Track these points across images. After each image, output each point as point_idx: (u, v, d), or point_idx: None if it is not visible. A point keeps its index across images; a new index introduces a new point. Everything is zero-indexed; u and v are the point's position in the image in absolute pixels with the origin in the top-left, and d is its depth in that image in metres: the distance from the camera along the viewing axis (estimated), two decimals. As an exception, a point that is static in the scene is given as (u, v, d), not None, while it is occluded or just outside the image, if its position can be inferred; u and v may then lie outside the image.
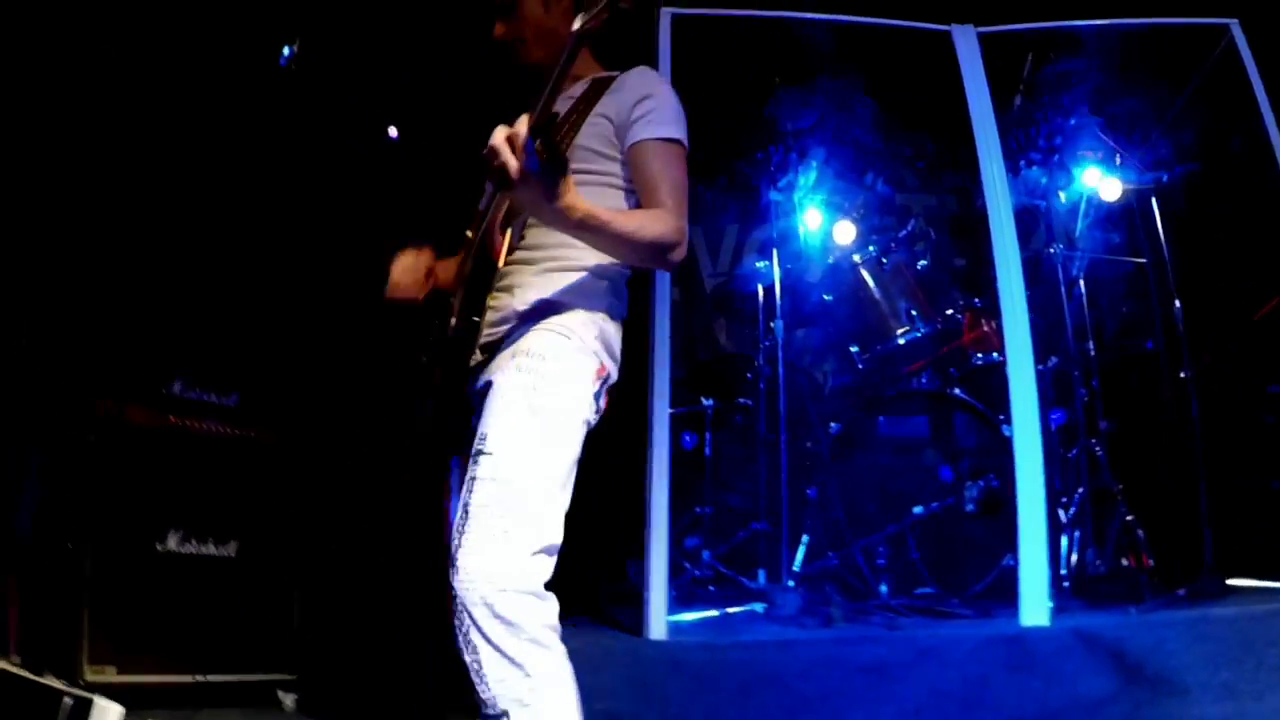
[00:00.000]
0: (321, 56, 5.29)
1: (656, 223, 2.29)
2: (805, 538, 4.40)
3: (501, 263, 2.40)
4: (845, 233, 5.24)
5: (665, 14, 4.29)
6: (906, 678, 3.16)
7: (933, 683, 3.13)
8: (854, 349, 4.76)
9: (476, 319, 2.36)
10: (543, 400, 2.21)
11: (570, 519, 2.20)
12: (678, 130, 2.47)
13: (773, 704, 3.14)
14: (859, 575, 4.24)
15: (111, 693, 3.75)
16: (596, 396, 2.35)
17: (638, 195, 2.45)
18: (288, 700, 4.07)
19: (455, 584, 2.02)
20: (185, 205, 4.75)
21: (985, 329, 4.68)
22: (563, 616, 2.48)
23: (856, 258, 4.79)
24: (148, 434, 4.14)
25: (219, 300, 4.57)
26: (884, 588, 4.10)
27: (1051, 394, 4.53)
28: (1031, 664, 3.14)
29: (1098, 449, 4.44)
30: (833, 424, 4.62)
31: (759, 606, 4.06)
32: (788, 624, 3.87)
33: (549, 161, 1.96)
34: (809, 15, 4.67)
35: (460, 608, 2.01)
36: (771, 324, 4.82)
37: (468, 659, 2.00)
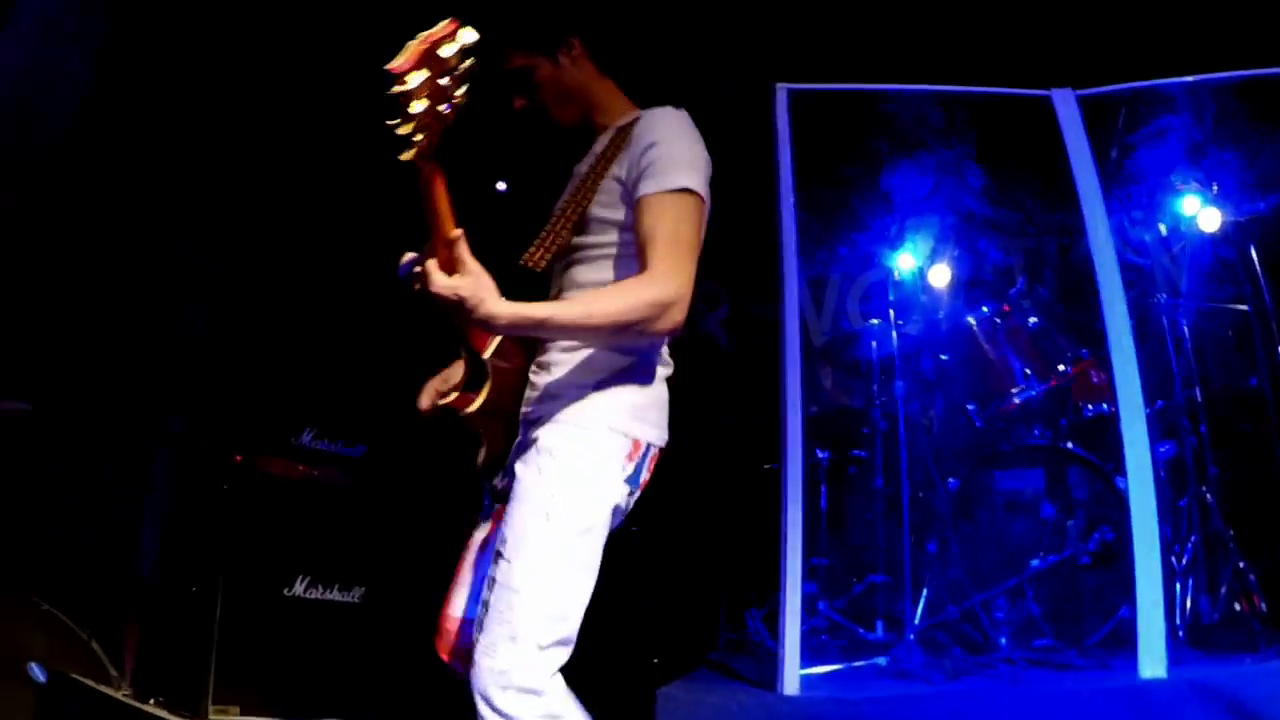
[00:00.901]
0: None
1: (617, 299, 2.29)
2: (925, 591, 4.62)
3: (487, 353, 2.38)
4: (958, 295, 5.52)
5: (781, 90, 4.52)
6: None
7: None
8: (970, 407, 5.00)
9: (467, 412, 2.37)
10: (559, 506, 2.30)
11: (689, 567, 2.49)
12: (684, 176, 2.38)
13: (904, 759, 3.39)
14: (979, 628, 4.44)
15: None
16: (634, 475, 2.41)
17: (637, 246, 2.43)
18: None
19: (471, 675, 2.24)
20: (315, 264, 5.19)
21: (1095, 380, 4.92)
22: (681, 669, 2.82)
23: (971, 320, 5.06)
24: (278, 483, 4.45)
25: (348, 354, 4.93)
26: (1003, 640, 4.30)
27: (1159, 438, 4.69)
28: (1151, 717, 3.33)
29: (1208, 495, 4.59)
30: (951, 479, 4.85)
31: (882, 660, 4.27)
32: (911, 677, 4.08)
33: (459, 297, 2.08)
34: (915, 87, 4.90)
35: (474, 697, 2.21)
36: (892, 383, 5.07)
37: None
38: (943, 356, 5.30)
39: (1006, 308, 5.06)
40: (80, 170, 4.22)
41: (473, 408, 2.38)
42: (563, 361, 2.46)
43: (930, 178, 5.62)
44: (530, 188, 6.33)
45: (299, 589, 4.41)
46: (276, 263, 5.04)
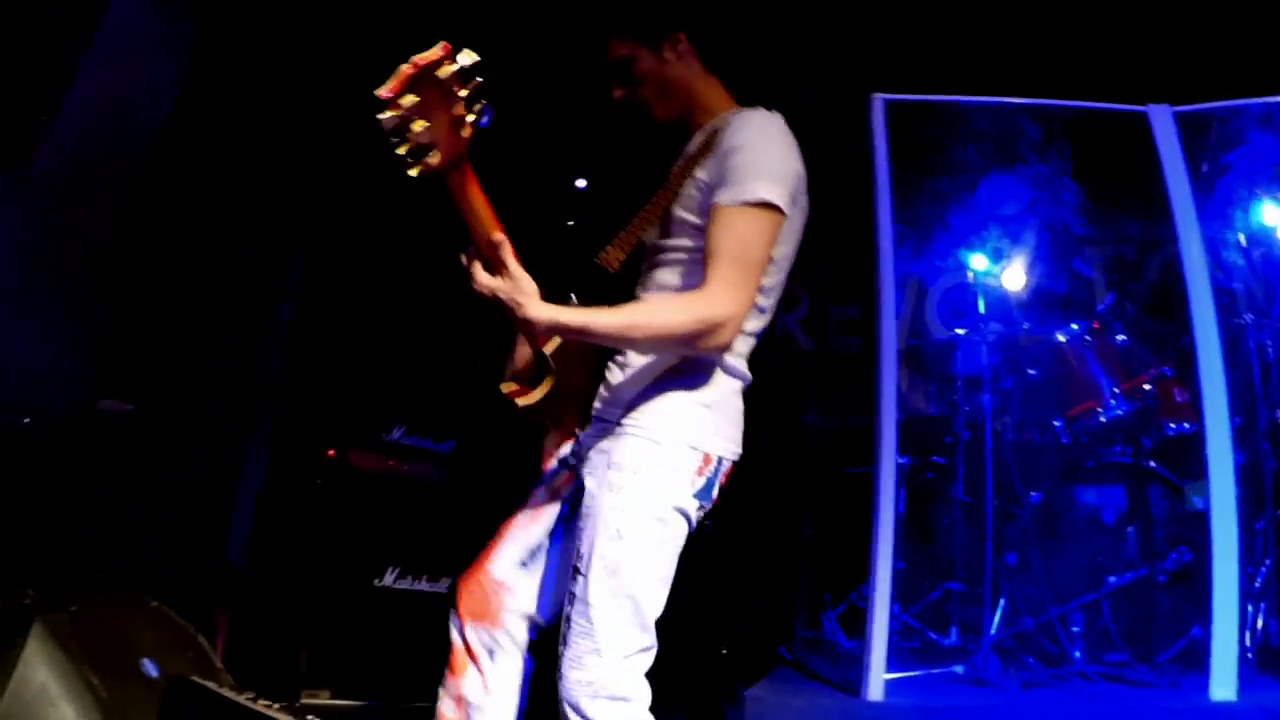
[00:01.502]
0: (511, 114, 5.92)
1: (664, 314, 2.34)
2: (1003, 601, 4.78)
3: (549, 348, 2.44)
4: (1049, 310, 5.66)
5: (878, 100, 4.61)
6: None
7: None
8: (1057, 423, 5.13)
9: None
10: (630, 523, 2.36)
11: (764, 565, 2.64)
12: (764, 188, 2.34)
13: (984, 768, 3.56)
14: (1054, 640, 4.60)
15: (322, 714, 4.46)
16: (705, 490, 2.45)
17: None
18: None
19: (559, 687, 2.34)
20: (403, 261, 5.41)
21: (1178, 399, 5.02)
22: (760, 673, 3.02)
23: (1061, 337, 5.18)
24: (369, 478, 4.72)
25: (437, 351, 5.14)
26: (1078, 653, 4.47)
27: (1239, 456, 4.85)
28: None
29: None
30: (1034, 493, 5.01)
31: (959, 667, 4.47)
32: (987, 686, 4.29)
33: (503, 297, 2.19)
34: (1011, 100, 5.00)
35: (562, 705, 2.33)
36: (975, 393, 5.23)
37: None
38: (1030, 371, 5.42)
39: (1096, 325, 5.18)
40: (172, 175, 4.37)
41: (527, 401, 2.48)
42: (637, 364, 2.50)
43: (1026, 191, 5.73)
44: (612, 185, 6.56)
45: (389, 580, 4.68)
46: (365, 260, 5.26)
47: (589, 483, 2.45)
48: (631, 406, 2.47)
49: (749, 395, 2.59)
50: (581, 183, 6.72)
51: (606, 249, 2.53)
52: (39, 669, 2.75)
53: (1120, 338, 5.23)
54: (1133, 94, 4.67)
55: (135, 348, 4.19)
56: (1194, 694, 3.88)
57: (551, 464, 2.75)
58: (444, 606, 4.69)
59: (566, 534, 2.64)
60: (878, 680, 3.93)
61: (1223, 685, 3.77)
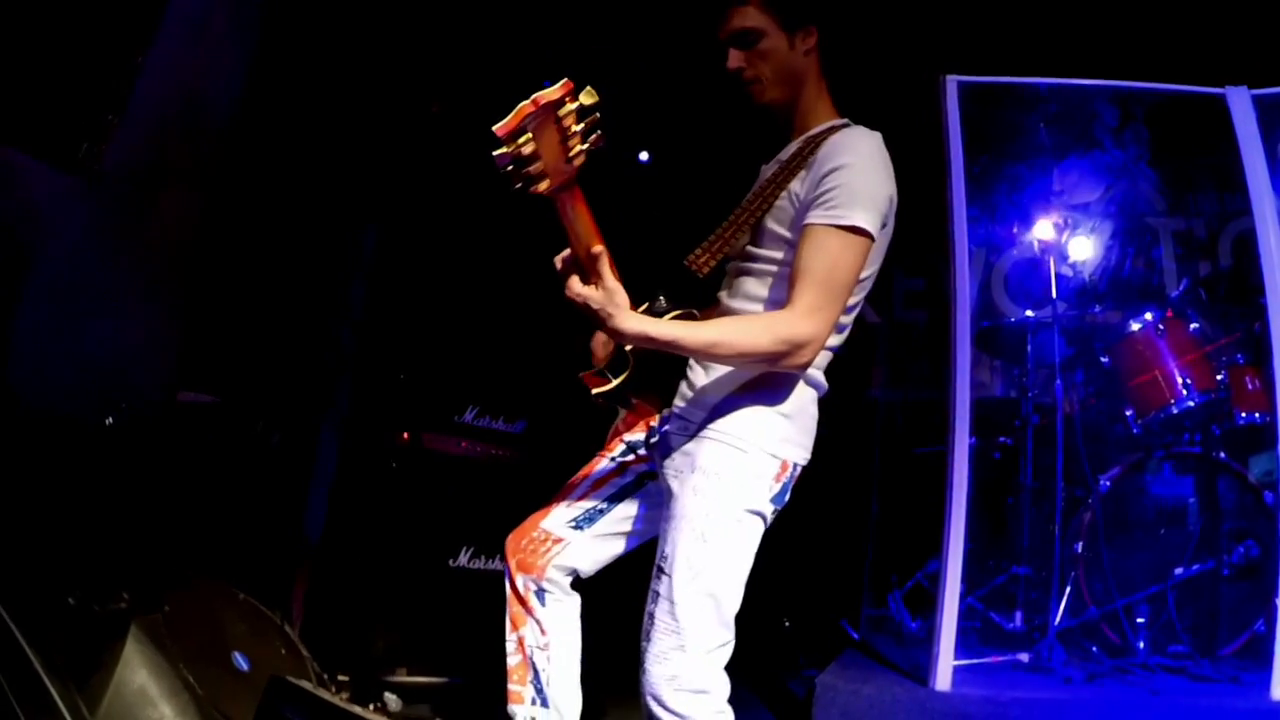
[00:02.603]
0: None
1: (751, 332, 2.42)
2: (1069, 589, 4.88)
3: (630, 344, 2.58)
4: (1124, 298, 5.72)
5: (951, 81, 4.60)
6: None
7: None
8: (1129, 413, 5.20)
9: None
10: (715, 526, 2.50)
11: (831, 543, 2.80)
12: (859, 214, 2.41)
13: (1049, 761, 3.69)
14: (1119, 630, 4.69)
15: (398, 689, 4.67)
16: (780, 494, 2.59)
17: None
18: (393, 702, 4.60)
19: (642, 679, 2.51)
20: (475, 242, 5.54)
21: (1250, 387, 5.05)
22: (822, 648, 3.16)
23: (1135, 325, 5.22)
24: (443, 460, 4.91)
25: (508, 333, 5.29)
26: (1142, 644, 4.54)
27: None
28: None
29: None
30: (1103, 481, 5.08)
31: (1024, 655, 4.60)
32: (1051, 674, 4.40)
33: (592, 292, 2.29)
34: (1085, 82, 4.96)
35: (644, 697, 2.50)
36: (1046, 377, 5.32)
37: None
38: (1103, 359, 5.48)
39: (1170, 313, 5.22)
40: (245, 163, 4.52)
41: (603, 389, 2.70)
42: (721, 368, 2.59)
43: (1102, 178, 5.76)
44: (675, 160, 6.63)
45: (463, 560, 4.88)
46: (435, 241, 5.39)
47: (674, 484, 2.60)
48: (716, 411, 2.59)
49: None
50: (645, 156, 6.80)
51: (697, 252, 2.57)
52: (138, 670, 2.94)
53: (1194, 326, 5.25)
54: (1210, 76, 4.65)
55: (214, 338, 4.35)
56: (1255, 690, 3.96)
57: (619, 444, 2.94)
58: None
59: (626, 504, 2.89)
60: (945, 670, 4.04)
61: None
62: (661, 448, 2.72)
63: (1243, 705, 3.87)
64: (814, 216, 2.43)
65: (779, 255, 2.60)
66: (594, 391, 2.75)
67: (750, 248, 2.67)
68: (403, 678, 4.64)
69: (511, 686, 2.88)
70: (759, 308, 2.65)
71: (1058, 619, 4.78)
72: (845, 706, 3.86)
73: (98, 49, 3.92)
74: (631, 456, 2.89)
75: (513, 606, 2.92)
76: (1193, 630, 4.61)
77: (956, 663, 4.14)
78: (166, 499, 3.88)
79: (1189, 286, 5.52)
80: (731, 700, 2.55)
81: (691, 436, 2.62)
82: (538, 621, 2.86)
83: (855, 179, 2.42)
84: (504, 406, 5.21)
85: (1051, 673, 4.44)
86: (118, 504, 3.64)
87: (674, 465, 2.63)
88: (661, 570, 2.55)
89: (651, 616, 2.54)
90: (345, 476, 5.04)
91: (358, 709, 2.87)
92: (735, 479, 2.55)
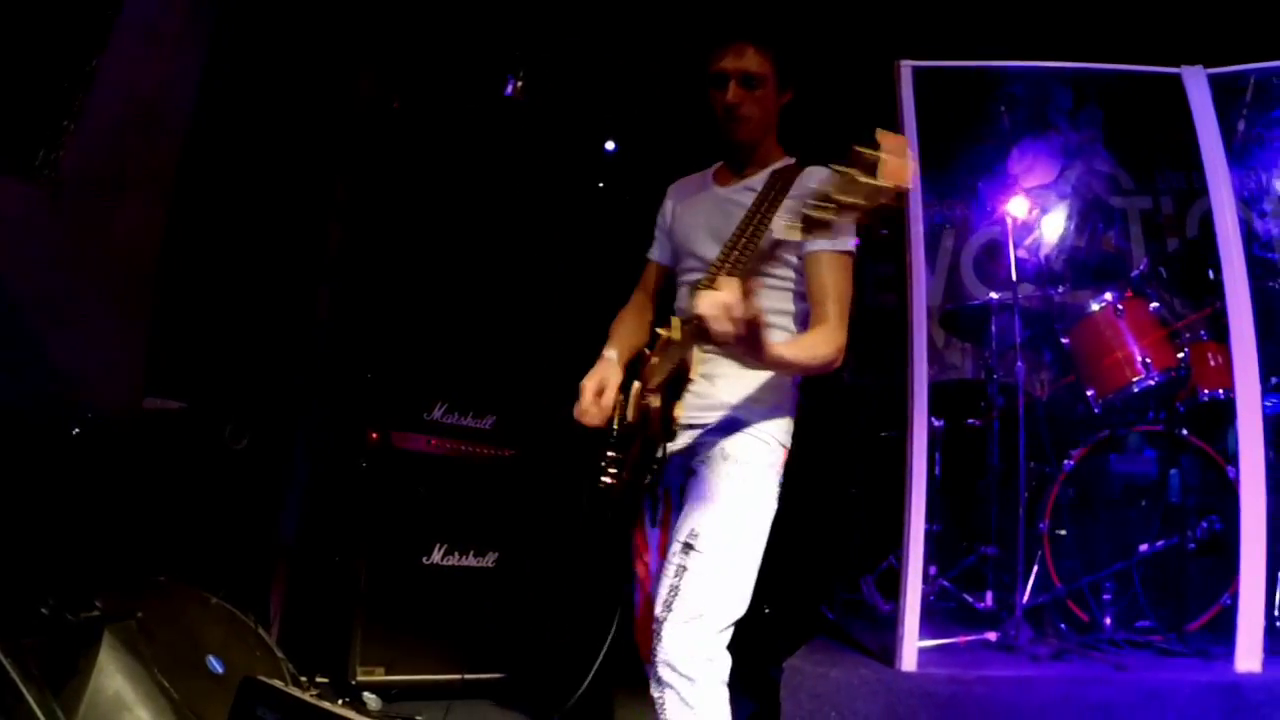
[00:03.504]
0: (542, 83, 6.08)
1: (822, 345, 2.82)
2: (1035, 568, 4.97)
3: (694, 373, 2.78)
4: (1081, 279, 5.80)
5: (905, 67, 4.62)
6: (1132, 718, 3.74)
7: None
8: (1090, 392, 5.28)
9: (673, 429, 2.87)
10: (746, 509, 2.93)
11: (806, 528, 3.10)
12: (850, 240, 2.93)
13: (1013, 738, 3.75)
14: (1086, 608, 4.79)
15: (377, 689, 4.75)
16: (781, 476, 3.03)
17: (808, 301, 2.97)
18: (372, 701, 4.69)
19: (658, 645, 2.81)
20: (438, 243, 5.61)
21: (1212, 364, 5.16)
22: (801, 633, 3.34)
23: (1095, 306, 5.30)
24: (413, 458, 4.99)
25: (474, 329, 5.40)
26: (1108, 620, 4.65)
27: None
28: (1245, 710, 3.67)
29: None
30: (1066, 461, 5.16)
31: (991, 635, 4.67)
32: (1019, 653, 4.46)
33: (752, 328, 2.38)
34: (1042, 64, 4.98)
35: (657, 660, 2.80)
36: (1010, 359, 5.38)
37: (654, 694, 2.84)
38: (1064, 340, 5.58)
39: (1130, 294, 5.28)
40: (204, 167, 4.58)
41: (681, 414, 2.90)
42: (731, 375, 2.99)
43: (1058, 160, 5.84)
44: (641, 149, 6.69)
45: (437, 557, 4.97)
46: (398, 240, 5.46)
47: (703, 469, 2.99)
48: (739, 409, 3.01)
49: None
50: (610, 145, 6.88)
51: (705, 279, 2.97)
52: (113, 676, 3.03)
53: (1154, 305, 5.35)
54: (1166, 56, 4.70)
55: (180, 343, 4.41)
56: (1221, 665, 4.05)
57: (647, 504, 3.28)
58: (491, 581, 4.99)
59: None
60: (910, 651, 4.12)
61: (1248, 656, 3.95)
62: (682, 456, 3.08)
63: (1205, 678, 3.93)
64: (821, 245, 2.90)
65: (778, 272, 3.04)
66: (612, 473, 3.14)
67: (750, 269, 2.83)
68: (380, 676, 4.72)
69: None
70: (786, 320, 3.09)
71: (1025, 598, 4.87)
72: (812, 689, 3.92)
73: (50, 56, 3.96)
74: (661, 508, 3.26)
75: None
76: (1160, 606, 4.69)
77: (923, 644, 4.22)
78: (138, 505, 3.95)
79: (1149, 266, 5.59)
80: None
81: (714, 432, 3.01)
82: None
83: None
84: (472, 403, 5.28)
85: (1018, 651, 4.52)
86: (89, 512, 3.71)
87: (700, 456, 3.02)
88: (691, 547, 2.85)
89: (675, 589, 2.83)
90: (316, 477, 5.13)
91: (328, 705, 2.97)
92: (759, 466, 2.98)
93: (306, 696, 3.01)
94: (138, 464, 4.06)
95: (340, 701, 4.02)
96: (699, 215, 3.26)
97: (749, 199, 3.06)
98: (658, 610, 2.85)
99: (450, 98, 5.85)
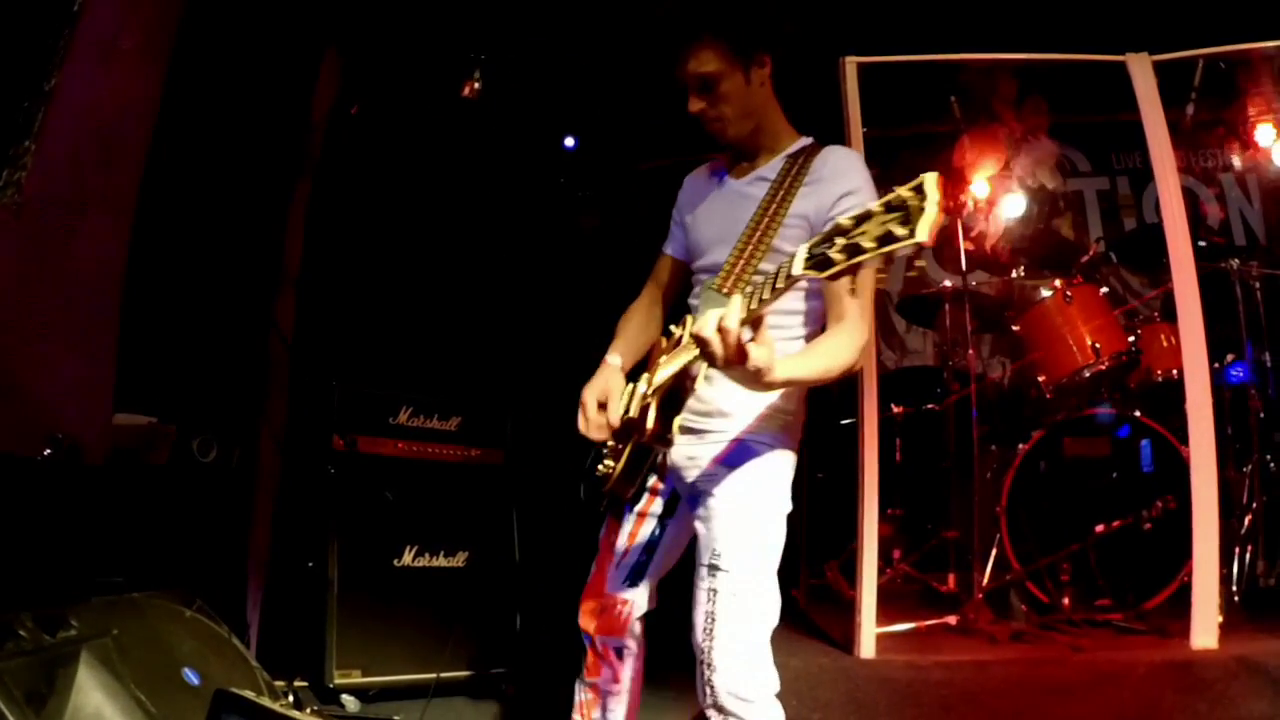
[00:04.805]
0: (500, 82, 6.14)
1: (845, 350, 2.55)
2: (994, 551, 5.08)
3: (698, 379, 2.64)
4: (1031, 266, 5.91)
5: (850, 63, 4.68)
6: (1088, 698, 3.84)
7: (1110, 704, 3.80)
8: (1041, 378, 5.38)
9: (669, 436, 2.69)
10: (763, 522, 2.75)
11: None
12: None
13: (971, 720, 3.85)
14: (1043, 589, 4.89)
15: (355, 691, 4.84)
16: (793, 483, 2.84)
17: (824, 297, 2.73)
18: (350, 703, 4.75)
19: (712, 678, 2.67)
20: (399, 247, 5.68)
21: (1165, 344, 5.29)
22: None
23: (1045, 292, 5.41)
24: (380, 462, 5.06)
25: (436, 331, 5.52)
26: (1066, 601, 4.75)
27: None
28: (1199, 687, 3.77)
29: (1271, 463, 5.02)
30: (1020, 443, 5.26)
31: (951, 619, 4.76)
32: (978, 635, 4.57)
33: (757, 351, 2.22)
34: (987, 56, 5.10)
35: (711, 689, 2.66)
36: (970, 350, 5.46)
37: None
38: (1015, 328, 5.66)
39: (1079, 279, 5.38)
40: (167, 182, 4.56)
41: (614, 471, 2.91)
42: (730, 382, 2.63)
43: (1003, 149, 5.95)
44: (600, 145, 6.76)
45: (408, 558, 5.03)
46: (358, 248, 5.53)
47: (718, 493, 2.79)
48: (741, 419, 2.83)
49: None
50: (570, 142, 6.96)
51: (719, 280, 2.79)
52: (92, 694, 3.10)
53: (1104, 290, 5.46)
54: (1113, 43, 4.76)
55: (145, 358, 4.47)
56: (1177, 643, 4.14)
57: (633, 492, 3.09)
58: (462, 580, 5.08)
59: (662, 542, 3.09)
60: (869, 638, 4.21)
61: (1204, 633, 4.05)
62: (683, 466, 2.93)
63: (1161, 656, 4.03)
64: None
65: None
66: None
67: (764, 265, 2.76)
68: (358, 679, 4.78)
69: (575, 716, 3.19)
70: (798, 320, 2.88)
71: (985, 580, 4.99)
72: None
73: (5, 75, 4.00)
74: (647, 502, 3.11)
75: (591, 658, 3.17)
76: (1118, 585, 4.80)
77: (884, 630, 4.33)
78: (111, 523, 4.01)
79: (1100, 251, 5.70)
80: (673, 680, 2.91)
81: (720, 444, 2.84)
82: (615, 672, 3.14)
83: (865, 200, 2.60)
84: (437, 405, 5.33)
85: (977, 634, 4.62)
86: (62, 531, 3.77)
87: (707, 474, 2.84)
88: (716, 568, 2.73)
89: (711, 615, 2.72)
90: (286, 485, 5.21)
91: (296, 714, 3.05)
92: (775, 479, 2.81)
93: (277, 706, 3.09)
94: (109, 481, 4.12)
95: (310, 709, 4.11)
96: (712, 209, 3.05)
97: (761, 190, 2.87)
98: (698, 638, 2.74)
99: (408, 101, 5.91)
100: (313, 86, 5.41)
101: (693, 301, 3.06)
